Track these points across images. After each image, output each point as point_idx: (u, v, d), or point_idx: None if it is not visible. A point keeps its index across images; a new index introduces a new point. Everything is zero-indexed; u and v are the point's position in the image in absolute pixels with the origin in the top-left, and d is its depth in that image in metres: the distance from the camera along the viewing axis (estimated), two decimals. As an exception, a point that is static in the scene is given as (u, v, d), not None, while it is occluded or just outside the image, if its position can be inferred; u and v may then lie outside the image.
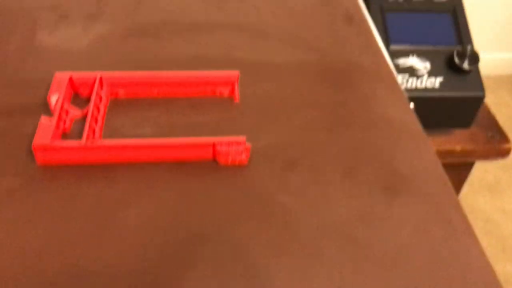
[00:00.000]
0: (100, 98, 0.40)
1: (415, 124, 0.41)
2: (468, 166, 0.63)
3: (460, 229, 0.33)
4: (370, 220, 0.33)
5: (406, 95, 0.43)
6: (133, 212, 0.33)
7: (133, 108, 0.41)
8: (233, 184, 0.36)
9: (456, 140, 0.58)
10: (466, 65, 0.52)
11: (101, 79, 0.41)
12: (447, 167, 0.59)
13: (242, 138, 0.36)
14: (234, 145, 0.36)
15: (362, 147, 0.38)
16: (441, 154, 0.57)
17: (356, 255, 0.31)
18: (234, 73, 0.42)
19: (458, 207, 0.34)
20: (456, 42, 0.55)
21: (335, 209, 0.34)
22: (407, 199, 0.35)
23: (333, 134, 0.39)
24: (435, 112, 0.54)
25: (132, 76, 0.41)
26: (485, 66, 0.56)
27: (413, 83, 0.52)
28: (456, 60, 0.52)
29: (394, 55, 0.49)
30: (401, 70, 0.51)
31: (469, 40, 0.55)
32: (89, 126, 0.37)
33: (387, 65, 0.46)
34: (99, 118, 0.39)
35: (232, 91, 0.42)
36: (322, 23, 0.50)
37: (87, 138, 0.36)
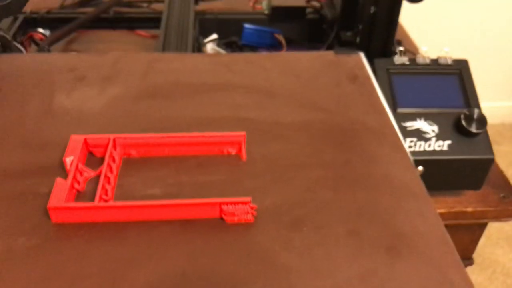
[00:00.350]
0: (113, 159, 0.42)
1: (418, 184, 0.42)
2: (482, 226, 0.62)
3: (463, 291, 0.34)
4: (372, 281, 0.34)
5: (410, 155, 0.44)
6: (143, 272, 0.34)
7: (144, 168, 0.42)
8: (239, 243, 0.37)
9: (467, 202, 0.58)
10: (474, 128, 0.53)
11: (114, 140, 0.43)
12: (459, 227, 0.59)
13: (247, 198, 0.38)
14: (240, 205, 0.38)
15: (366, 207, 0.39)
16: (452, 215, 0.57)
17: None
18: (241, 134, 0.44)
19: (460, 268, 0.35)
20: (463, 105, 0.56)
21: (339, 271, 0.35)
22: (410, 260, 0.35)
23: (337, 193, 0.41)
24: (444, 175, 0.54)
25: (144, 137, 0.43)
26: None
27: (421, 146, 0.53)
28: (464, 123, 0.53)
29: (401, 118, 0.51)
30: (409, 133, 0.52)
31: (476, 102, 0.56)
32: (102, 187, 0.39)
33: (391, 125, 0.47)
34: (112, 179, 0.40)
35: (240, 150, 0.44)
36: (328, 83, 0.52)
37: (100, 198, 0.38)
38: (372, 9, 0.60)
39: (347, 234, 0.37)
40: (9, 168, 0.42)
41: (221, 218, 0.38)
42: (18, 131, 0.46)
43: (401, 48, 0.62)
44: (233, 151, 0.44)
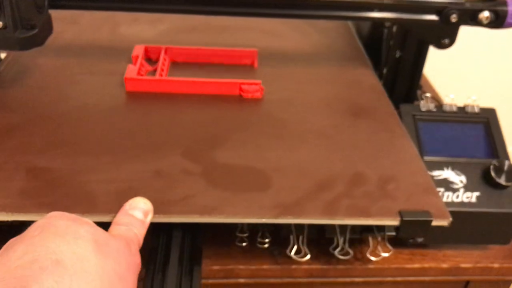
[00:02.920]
0: (164, 61, 0.60)
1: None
2: (507, 283, 0.57)
3: (399, 135, 0.51)
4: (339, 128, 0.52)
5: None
6: (186, 117, 0.52)
7: (185, 69, 0.60)
8: (253, 109, 0.54)
9: (493, 257, 0.54)
10: (503, 181, 0.51)
11: (166, 49, 0.61)
12: (484, 283, 0.54)
13: (258, 81, 0.56)
14: (253, 85, 0.55)
15: (341, 93, 0.57)
16: (478, 271, 0.54)
17: (327, 142, 0.49)
18: (254, 50, 0.62)
19: (399, 124, 0.52)
20: (492, 155, 0.54)
21: (318, 121, 0.52)
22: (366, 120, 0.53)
23: (323, 87, 0.59)
24: (472, 228, 0.52)
25: (186, 48, 0.61)
26: None
27: (449, 197, 0.51)
28: (493, 174, 0.51)
29: (428, 167, 0.49)
30: (436, 183, 0.50)
31: (505, 153, 0.54)
32: (159, 72, 0.57)
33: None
34: (164, 71, 0.58)
35: (253, 62, 0.62)
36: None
37: (159, 76, 0.56)
38: (398, 53, 0.60)
39: (325, 106, 0.55)
40: (101, 61, 0.60)
41: (239, 95, 0.56)
42: (98, 43, 0.65)
43: (428, 95, 0.61)
44: (248, 62, 0.62)
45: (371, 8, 0.55)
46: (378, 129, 0.52)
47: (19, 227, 0.34)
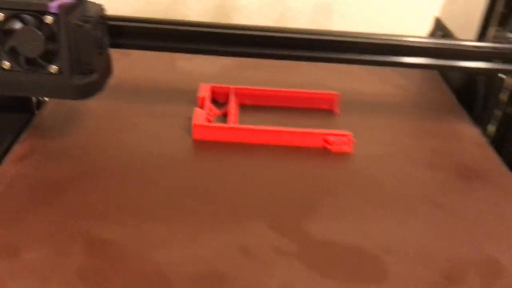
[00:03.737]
0: (233, 104, 0.52)
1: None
2: None
3: None
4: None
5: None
6: (266, 174, 0.44)
7: (256, 114, 0.52)
8: (341, 166, 0.46)
9: None
10: None
11: (234, 89, 0.53)
12: None
13: (348, 132, 0.47)
14: (341, 137, 0.47)
15: (441, 148, 0.49)
16: None
17: (441, 213, 0.41)
18: (334, 93, 0.54)
19: None
20: None
21: (423, 185, 0.44)
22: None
23: (415, 140, 0.50)
24: None
25: (257, 89, 0.54)
26: None
27: None
28: None
29: None
30: None
31: None
32: (229, 118, 0.49)
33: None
34: (234, 116, 0.50)
35: (332, 106, 0.54)
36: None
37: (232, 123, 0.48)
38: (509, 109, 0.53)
39: (427, 164, 0.47)
40: (160, 102, 0.53)
41: (324, 148, 0.48)
42: (154, 79, 0.57)
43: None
44: (327, 107, 0.54)
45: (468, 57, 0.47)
46: (500, 199, 0.43)
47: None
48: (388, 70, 0.63)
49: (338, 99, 0.54)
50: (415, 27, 0.74)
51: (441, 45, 0.50)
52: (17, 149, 0.44)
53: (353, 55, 0.47)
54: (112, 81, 0.56)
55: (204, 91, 0.52)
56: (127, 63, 0.60)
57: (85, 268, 0.33)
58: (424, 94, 0.61)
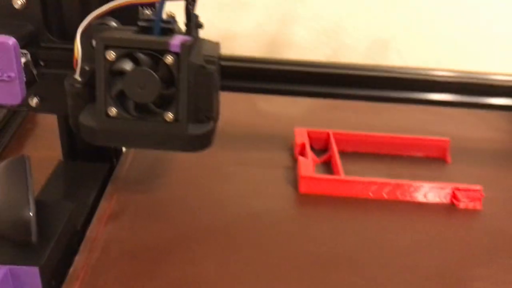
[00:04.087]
0: (334, 151, 0.46)
1: None
2: None
3: None
4: None
5: None
6: (390, 238, 0.37)
7: (360, 162, 0.47)
8: (474, 226, 0.40)
9: None
10: None
11: (334, 134, 0.47)
12: None
13: (478, 186, 0.41)
14: (471, 192, 0.41)
15: None
16: None
17: None
18: (445, 139, 0.48)
19: None
20: None
21: None
22: None
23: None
24: None
25: (358, 134, 0.48)
26: None
27: None
28: None
29: None
30: None
31: None
32: (334, 168, 0.43)
33: None
34: (339, 164, 0.45)
35: (444, 155, 0.48)
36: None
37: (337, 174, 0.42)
38: None
39: None
40: (250, 148, 0.47)
41: (450, 203, 0.41)
42: (239, 121, 0.52)
43: None
44: (436, 155, 0.48)
45: None
46: None
47: None
48: (492, 113, 0.58)
49: (449, 146, 0.48)
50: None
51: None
52: (105, 205, 0.38)
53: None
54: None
55: (301, 137, 0.46)
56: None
57: None
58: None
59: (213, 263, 0.34)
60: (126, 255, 0.34)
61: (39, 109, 0.39)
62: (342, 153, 0.47)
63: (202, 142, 0.33)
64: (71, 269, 0.32)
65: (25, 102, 0.38)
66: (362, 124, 0.52)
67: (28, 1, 0.36)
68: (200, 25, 0.33)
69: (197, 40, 0.33)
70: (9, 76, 0.34)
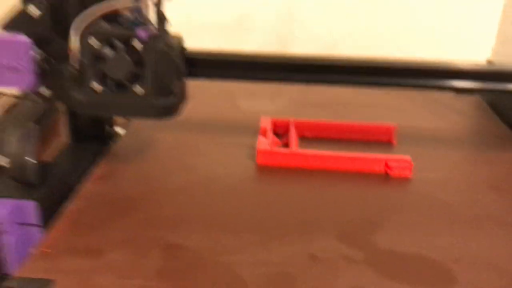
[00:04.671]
0: (293, 135, 0.55)
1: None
2: None
3: None
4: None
5: None
6: (330, 196, 0.45)
7: (316, 145, 0.55)
8: (402, 189, 0.47)
9: None
10: None
11: (294, 122, 0.56)
12: None
13: (407, 157, 0.49)
14: (401, 162, 0.48)
15: (501, 173, 0.49)
16: None
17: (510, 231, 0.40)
18: (391, 124, 0.56)
19: None
20: None
21: (488, 206, 0.44)
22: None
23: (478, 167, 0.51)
24: None
25: (316, 122, 0.56)
26: None
27: None
28: None
29: None
30: None
31: None
32: (290, 147, 0.52)
33: None
34: (295, 145, 0.53)
35: (390, 139, 0.55)
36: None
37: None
38: None
39: (490, 188, 0.47)
40: (225, 134, 0.56)
41: (385, 173, 0.49)
42: (219, 116, 0.61)
43: None
44: (384, 139, 0.56)
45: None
46: None
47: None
48: (438, 104, 0.65)
49: (395, 131, 0.56)
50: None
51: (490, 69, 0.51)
52: (96, 171, 0.48)
53: (407, 80, 0.49)
54: (179, 119, 0.61)
55: (266, 123, 0.55)
56: (193, 103, 0.65)
57: (163, 268, 0.35)
58: (477, 126, 0.62)
59: (180, 208, 0.42)
60: (106, 203, 0.43)
61: (50, 98, 0.50)
62: (302, 138, 0.56)
63: (167, 112, 0.42)
64: (62, 210, 0.41)
65: (38, 92, 0.49)
66: (327, 117, 0.60)
67: (42, 12, 0.47)
68: (165, 19, 0.43)
69: (163, 33, 0.43)
70: (22, 66, 0.45)
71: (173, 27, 0.44)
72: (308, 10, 0.94)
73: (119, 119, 0.56)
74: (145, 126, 0.57)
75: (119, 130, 0.56)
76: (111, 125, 0.55)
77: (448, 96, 0.69)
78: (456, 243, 0.39)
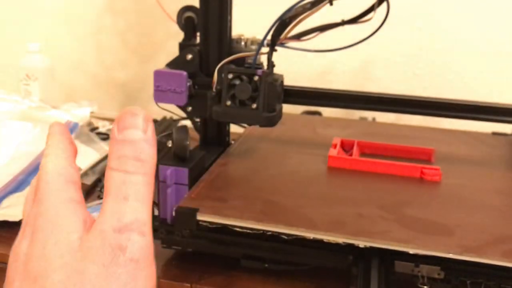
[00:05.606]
0: (356, 151, 0.75)
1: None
2: None
3: None
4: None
5: None
6: (378, 187, 0.65)
7: (373, 158, 0.75)
8: (431, 187, 0.65)
9: None
10: None
11: (357, 142, 0.77)
12: None
13: (438, 167, 0.67)
14: (433, 170, 0.67)
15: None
16: None
17: (506, 212, 0.58)
18: (431, 148, 0.74)
19: None
20: None
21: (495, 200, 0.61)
22: None
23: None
24: None
25: (373, 143, 0.77)
26: None
27: None
28: None
29: None
30: None
31: None
32: (354, 156, 0.72)
33: None
34: (357, 156, 0.73)
35: (430, 158, 0.74)
36: None
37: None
38: None
39: (499, 193, 0.64)
40: (307, 148, 0.78)
41: (420, 178, 0.68)
42: (302, 137, 0.84)
43: None
44: (425, 158, 0.75)
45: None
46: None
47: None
48: (475, 140, 0.83)
49: (433, 153, 0.74)
50: None
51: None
52: (219, 161, 0.71)
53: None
54: (274, 136, 0.83)
55: (336, 141, 0.76)
56: (285, 128, 0.88)
57: (263, 211, 0.57)
58: (506, 156, 0.78)
59: (269, 186, 0.64)
60: (226, 178, 0.66)
61: (192, 113, 0.75)
62: (363, 154, 0.76)
63: (270, 122, 0.65)
64: (200, 179, 0.65)
65: (186, 108, 0.74)
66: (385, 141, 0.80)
67: (193, 57, 0.73)
68: (273, 65, 0.67)
69: (271, 72, 0.66)
70: (180, 90, 0.71)
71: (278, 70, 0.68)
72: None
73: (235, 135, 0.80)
74: (251, 139, 0.80)
75: (233, 141, 0.80)
76: (228, 136, 0.79)
77: (486, 135, 0.87)
78: (463, 217, 0.57)
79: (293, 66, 1.18)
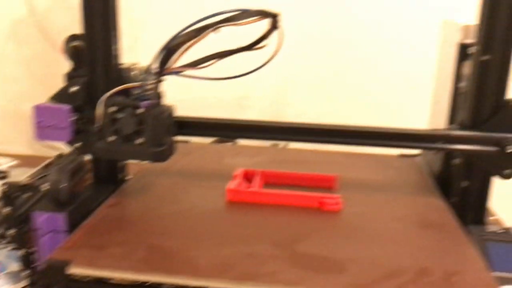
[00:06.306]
0: (258, 181, 0.72)
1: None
2: None
3: (463, 242, 0.56)
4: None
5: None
6: (275, 220, 0.62)
7: (276, 189, 0.72)
8: (330, 218, 0.63)
9: None
10: None
11: (261, 172, 0.73)
12: None
13: (338, 195, 0.65)
14: (332, 199, 0.65)
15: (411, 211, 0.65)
16: None
17: (398, 245, 0.56)
18: (334, 175, 0.73)
19: (464, 235, 0.58)
20: None
21: (391, 230, 0.60)
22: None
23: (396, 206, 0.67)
24: None
25: (275, 172, 0.74)
26: None
27: None
28: None
29: (498, 282, 0.53)
30: None
31: None
32: (255, 187, 0.69)
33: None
34: (257, 187, 0.70)
35: (332, 185, 0.72)
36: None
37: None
38: (465, 183, 0.67)
39: (397, 220, 0.62)
40: (207, 181, 0.74)
41: (318, 208, 0.65)
42: (206, 169, 0.79)
43: (492, 217, 0.69)
44: (328, 185, 0.72)
45: (436, 140, 0.66)
46: (444, 238, 0.58)
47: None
48: (378, 165, 0.82)
49: (335, 180, 0.72)
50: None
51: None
52: (109, 201, 0.66)
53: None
54: (176, 169, 0.78)
55: (238, 172, 0.73)
56: (188, 159, 0.83)
57: (146, 257, 0.52)
58: (406, 179, 0.78)
59: (160, 226, 0.59)
60: (113, 220, 0.60)
61: (80, 150, 0.69)
62: (267, 185, 0.73)
63: (159, 157, 0.61)
64: (81, 224, 0.59)
65: (73, 145, 0.68)
66: (289, 170, 0.78)
67: (79, 88, 0.67)
68: (161, 96, 0.63)
69: (158, 104, 0.62)
70: (64, 126, 0.65)
71: (178, 101, 0.64)
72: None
73: (130, 170, 0.75)
74: (150, 173, 0.75)
75: (128, 177, 0.75)
76: (123, 173, 0.74)
77: (392, 157, 0.87)
78: (360, 250, 0.55)
79: (207, 92, 1.15)
